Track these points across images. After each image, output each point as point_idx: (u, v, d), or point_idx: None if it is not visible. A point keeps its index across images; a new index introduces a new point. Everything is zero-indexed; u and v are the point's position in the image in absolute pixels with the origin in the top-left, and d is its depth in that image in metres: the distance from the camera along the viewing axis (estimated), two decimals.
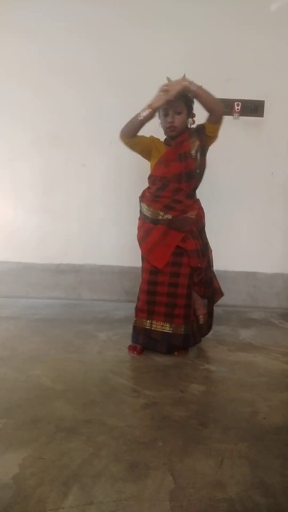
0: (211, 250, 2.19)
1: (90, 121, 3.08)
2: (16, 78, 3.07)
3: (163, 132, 2.10)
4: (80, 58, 3.03)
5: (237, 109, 3.00)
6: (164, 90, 1.87)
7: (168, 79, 2.08)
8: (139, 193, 2.20)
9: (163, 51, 2.95)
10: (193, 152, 1.99)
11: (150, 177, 2.13)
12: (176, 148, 2.00)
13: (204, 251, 2.10)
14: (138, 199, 2.21)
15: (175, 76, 2.07)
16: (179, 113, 1.97)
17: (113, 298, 3.25)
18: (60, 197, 3.21)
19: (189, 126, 2.04)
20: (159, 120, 2.05)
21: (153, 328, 2.06)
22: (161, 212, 2.03)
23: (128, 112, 1.99)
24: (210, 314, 2.22)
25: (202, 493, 1.10)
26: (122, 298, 3.23)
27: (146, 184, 2.23)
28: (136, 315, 2.10)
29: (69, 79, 3.05)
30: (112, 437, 1.35)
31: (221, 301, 2.33)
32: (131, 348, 2.15)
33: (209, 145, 2.08)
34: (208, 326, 2.24)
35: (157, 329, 2.05)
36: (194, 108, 2.04)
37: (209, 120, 1.98)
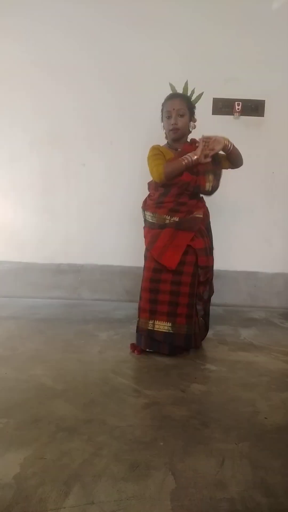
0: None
1: (90, 121, 3.08)
2: (16, 78, 3.07)
3: (164, 136, 2.14)
4: (80, 58, 3.03)
5: (238, 108, 3.00)
6: (208, 149, 1.95)
7: (171, 85, 2.11)
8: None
9: (163, 51, 2.95)
10: (207, 184, 2.04)
11: (152, 183, 2.14)
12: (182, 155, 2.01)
13: (211, 249, 2.13)
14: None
15: (177, 81, 2.09)
16: (182, 116, 2.03)
17: (113, 298, 3.25)
18: (60, 197, 3.21)
19: (190, 130, 2.11)
20: (162, 123, 2.11)
21: (155, 329, 2.04)
22: (167, 216, 2.04)
23: (128, 112, 2.00)
24: (206, 314, 2.23)
25: (203, 492, 1.09)
26: (123, 298, 3.23)
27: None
28: (139, 315, 2.10)
29: (69, 80, 3.05)
30: (113, 437, 1.35)
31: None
32: (132, 347, 2.16)
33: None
34: (206, 328, 2.26)
35: (160, 330, 2.04)
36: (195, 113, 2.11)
37: (228, 166, 2.14)
